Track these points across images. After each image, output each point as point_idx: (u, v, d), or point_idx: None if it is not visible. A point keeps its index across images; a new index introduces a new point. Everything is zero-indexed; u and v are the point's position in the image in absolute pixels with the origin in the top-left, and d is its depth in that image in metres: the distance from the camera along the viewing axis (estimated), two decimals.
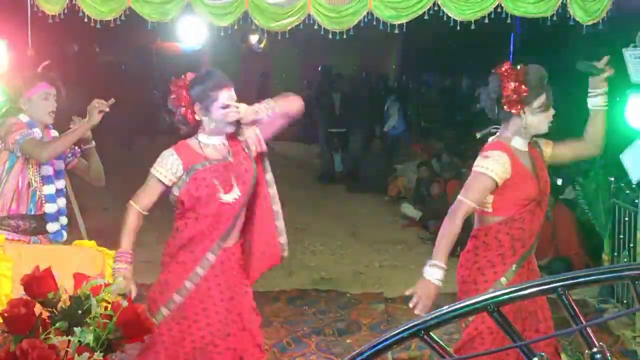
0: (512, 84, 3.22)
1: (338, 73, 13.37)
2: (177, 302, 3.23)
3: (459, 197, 3.26)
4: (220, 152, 3.31)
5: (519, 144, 3.35)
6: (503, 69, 3.27)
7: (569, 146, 3.52)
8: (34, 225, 3.76)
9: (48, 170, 3.81)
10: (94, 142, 3.94)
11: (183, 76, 3.37)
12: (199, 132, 3.32)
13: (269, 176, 3.46)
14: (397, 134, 11.92)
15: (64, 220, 3.88)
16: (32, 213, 3.75)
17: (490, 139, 3.43)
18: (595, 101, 3.40)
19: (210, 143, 3.31)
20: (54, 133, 3.94)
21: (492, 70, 3.32)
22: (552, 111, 3.34)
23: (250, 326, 3.33)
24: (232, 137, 3.37)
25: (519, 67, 3.29)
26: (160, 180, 3.25)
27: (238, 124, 3.29)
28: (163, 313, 3.23)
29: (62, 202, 3.87)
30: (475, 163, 3.32)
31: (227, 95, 3.25)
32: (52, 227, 3.79)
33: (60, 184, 3.88)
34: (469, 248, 3.42)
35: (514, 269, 3.32)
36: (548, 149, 3.47)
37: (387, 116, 12.28)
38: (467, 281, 3.37)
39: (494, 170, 3.24)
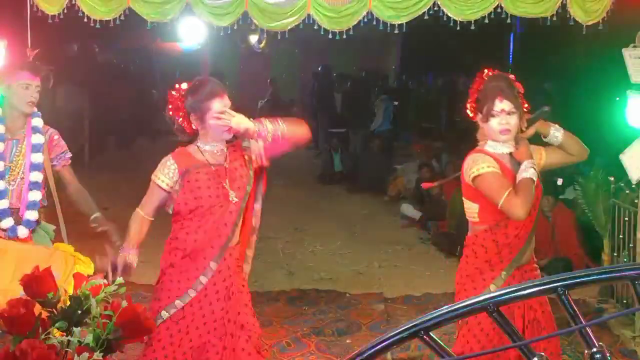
0: (474, 92, 3.35)
1: (338, 73, 13.39)
2: (178, 307, 3.26)
3: (500, 201, 3.19)
4: (217, 157, 3.37)
5: (492, 148, 3.34)
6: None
7: (559, 152, 3.45)
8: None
9: None
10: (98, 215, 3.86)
11: (178, 86, 3.41)
12: (198, 138, 3.39)
13: (260, 191, 3.53)
14: (381, 132, 11.92)
15: (30, 215, 3.75)
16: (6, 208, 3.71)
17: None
18: (557, 137, 3.36)
19: (208, 149, 3.37)
20: (37, 122, 3.84)
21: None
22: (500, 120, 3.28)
23: (248, 326, 3.34)
24: (234, 144, 3.43)
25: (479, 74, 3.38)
26: (159, 186, 3.31)
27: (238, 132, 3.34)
28: (163, 316, 3.26)
29: (33, 196, 3.76)
30: (471, 170, 3.29)
31: (219, 104, 3.31)
32: (5, 223, 3.70)
33: (35, 176, 3.78)
34: (463, 256, 3.44)
35: (503, 276, 3.30)
36: (540, 154, 3.41)
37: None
38: (459, 289, 3.41)
39: (490, 165, 3.25)
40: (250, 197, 3.42)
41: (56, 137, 3.92)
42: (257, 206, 3.53)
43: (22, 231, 3.72)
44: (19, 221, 3.74)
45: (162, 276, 3.34)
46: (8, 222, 3.70)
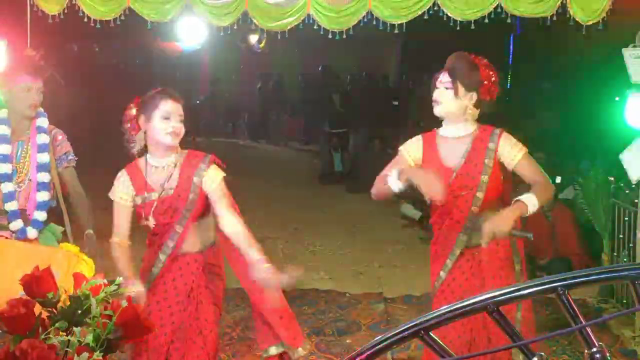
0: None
1: (335, 74, 13.39)
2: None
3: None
4: (163, 177, 3.26)
5: (445, 131, 3.44)
6: None
7: (531, 175, 3.32)
8: None
9: (3, 168, 3.73)
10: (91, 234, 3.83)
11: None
12: (148, 150, 3.29)
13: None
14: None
15: (39, 215, 3.75)
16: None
17: None
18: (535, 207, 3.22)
19: (157, 165, 3.27)
20: (42, 122, 3.83)
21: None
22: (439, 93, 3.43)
23: (206, 333, 3.33)
24: (188, 162, 3.30)
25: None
26: (120, 203, 3.30)
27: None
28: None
29: (42, 196, 3.75)
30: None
31: (171, 107, 3.21)
32: (14, 225, 3.71)
33: (43, 177, 3.77)
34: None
35: (448, 262, 3.38)
36: (512, 154, 3.32)
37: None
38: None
39: (407, 148, 3.47)
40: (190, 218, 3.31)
41: (60, 137, 3.89)
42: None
43: (31, 232, 3.72)
44: (27, 222, 3.73)
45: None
46: (17, 224, 3.70)
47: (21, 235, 3.69)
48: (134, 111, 3.27)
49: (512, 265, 3.39)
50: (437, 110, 3.40)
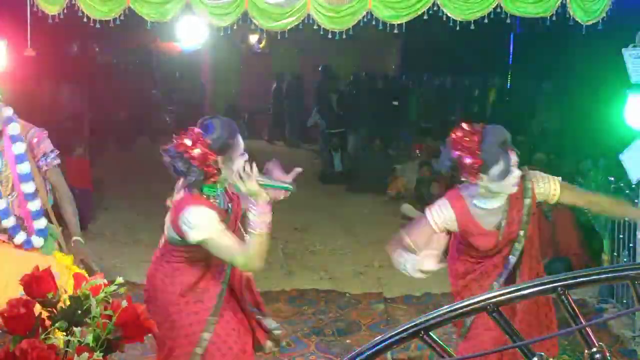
0: (465, 155, 3.14)
1: (333, 74, 13.40)
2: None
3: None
4: (223, 201, 3.18)
5: (483, 203, 3.33)
6: (456, 136, 3.18)
7: (582, 197, 3.46)
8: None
9: None
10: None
11: (188, 130, 3.04)
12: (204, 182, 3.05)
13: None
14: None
15: (39, 224, 3.62)
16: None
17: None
18: None
19: (215, 194, 3.11)
20: (13, 129, 3.56)
21: (450, 135, 3.24)
22: (517, 172, 3.23)
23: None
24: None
25: (475, 130, 3.18)
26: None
27: None
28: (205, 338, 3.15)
29: (33, 206, 3.60)
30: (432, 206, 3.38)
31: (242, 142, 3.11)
32: (18, 239, 3.58)
33: (27, 187, 3.59)
34: None
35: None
36: (553, 187, 3.36)
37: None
38: None
39: (435, 220, 3.33)
40: None
41: (35, 139, 3.65)
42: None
43: (37, 241, 3.60)
44: (29, 231, 3.61)
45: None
46: (21, 237, 3.57)
47: (28, 246, 3.59)
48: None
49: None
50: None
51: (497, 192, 3.26)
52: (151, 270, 3.26)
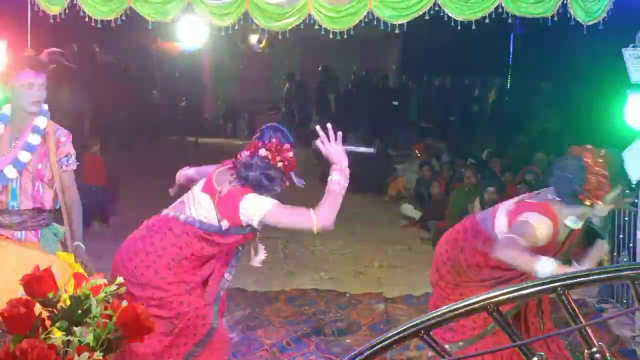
0: (596, 178, 3.17)
1: (331, 74, 13.40)
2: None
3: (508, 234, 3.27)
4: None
5: (573, 223, 3.34)
6: (589, 159, 3.19)
7: None
8: (17, 221, 3.62)
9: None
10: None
11: (274, 140, 3.51)
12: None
13: None
14: None
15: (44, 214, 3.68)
16: (15, 208, 3.61)
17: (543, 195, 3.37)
18: None
19: None
20: (40, 122, 3.69)
21: (572, 154, 3.26)
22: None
23: None
24: None
25: (601, 154, 3.21)
26: None
27: None
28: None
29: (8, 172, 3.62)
30: (526, 216, 3.27)
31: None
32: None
33: (9, 172, 3.61)
34: None
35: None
36: None
37: None
38: None
39: (537, 236, 3.23)
40: None
41: (64, 138, 3.75)
42: None
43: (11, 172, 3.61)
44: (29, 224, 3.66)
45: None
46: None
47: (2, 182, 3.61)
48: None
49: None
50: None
51: (591, 214, 3.32)
52: (136, 237, 3.43)
